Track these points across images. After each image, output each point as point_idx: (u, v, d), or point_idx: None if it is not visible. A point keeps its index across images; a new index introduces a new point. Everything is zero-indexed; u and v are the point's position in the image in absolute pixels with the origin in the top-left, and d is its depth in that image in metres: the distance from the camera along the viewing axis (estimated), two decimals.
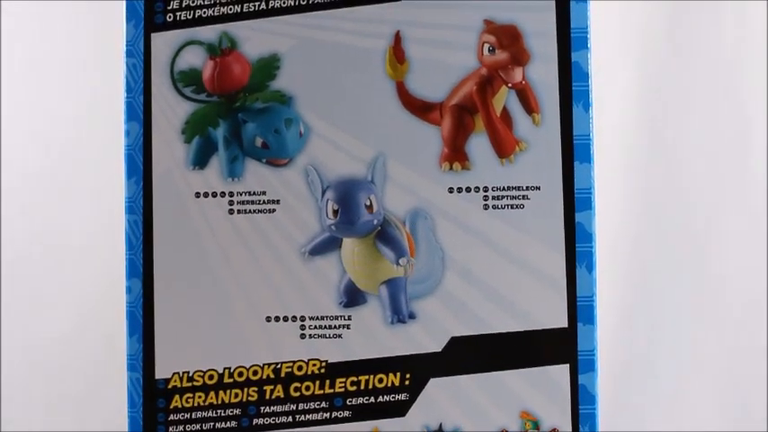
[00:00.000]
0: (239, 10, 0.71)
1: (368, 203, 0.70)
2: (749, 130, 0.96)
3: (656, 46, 0.97)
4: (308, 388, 0.71)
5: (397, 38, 0.71)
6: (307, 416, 0.71)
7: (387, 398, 0.71)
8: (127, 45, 0.72)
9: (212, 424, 0.71)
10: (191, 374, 0.71)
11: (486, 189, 0.71)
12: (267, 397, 0.71)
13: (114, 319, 0.74)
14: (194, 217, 0.71)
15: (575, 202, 0.70)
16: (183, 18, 0.72)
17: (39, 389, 0.96)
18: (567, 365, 0.70)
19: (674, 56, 0.97)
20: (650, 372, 0.96)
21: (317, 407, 0.71)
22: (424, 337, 0.70)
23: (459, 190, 0.71)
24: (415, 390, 0.70)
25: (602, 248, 0.72)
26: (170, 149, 0.72)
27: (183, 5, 0.72)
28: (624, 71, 0.97)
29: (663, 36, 0.97)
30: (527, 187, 0.70)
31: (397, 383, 0.71)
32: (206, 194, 0.71)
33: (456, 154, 0.71)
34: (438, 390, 0.70)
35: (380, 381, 0.71)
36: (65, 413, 0.96)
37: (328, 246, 0.71)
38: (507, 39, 0.70)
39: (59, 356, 0.96)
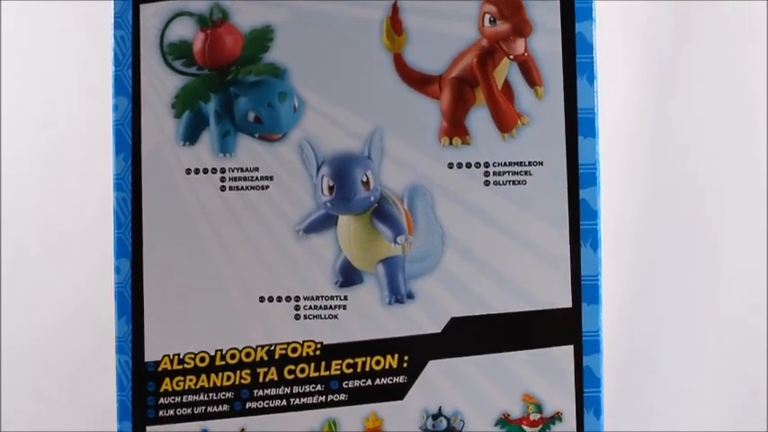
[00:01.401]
0: None
1: (364, 179, 0.69)
2: (755, 113, 0.96)
3: (662, 26, 0.96)
4: (302, 370, 0.70)
5: (395, 8, 0.70)
6: (301, 399, 0.70)
7: (384, 380, 0.69)
8: (115, 17, 0.71)
9: (204, 408, 0.70)
10: (181, 357, 0.70)
11: (486, 165, 0.69)
12: (260, 380, 0.70)
13: (109, 305, 0.72)
14: (185, 194, 0.70)
15: (579, 177, 0.69)
16: None
17: (33, 376, 0.96)
18: (571, 347, 0.69)
19: (680, 37, 0.96)
20: (654, 356, 0.95)
21: (312, 390, 0.70)
22: (423, 318, 0.69)
23: (459, 165, 0.69)
24: (413, 372, 0.69)
25: (605, 228, 0.70)
26: (159, 124, 0.70)
27: None
28: (628, 50, 0.96)
29: (669, 16, 0.96)
30: (529, 162, 0.69)
31: (394, 366, 0.69)
32: (197, 171, 0.70)
33: (456, 128, 0.69)
34: (437, 372, 0.69)
35: (378, 363, 0.69)
36: (59, 399, 0.95)
37: (323, 223, 0.70)
38: (509, 9, 0.69)
39: (54, 344, 0.96)
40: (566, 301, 0.69)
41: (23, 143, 0.96)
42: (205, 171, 0.70)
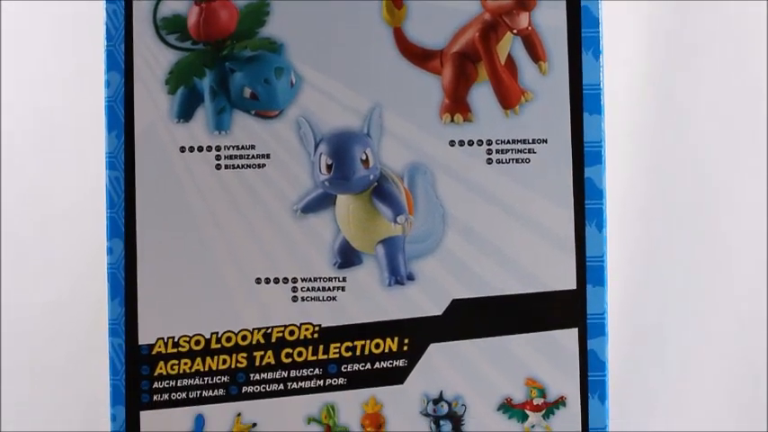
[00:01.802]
0: None
1: (363, 158, 0.68)
2: (764, 90, 0.94)
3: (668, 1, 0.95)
4: (300, 354, 0.69)
5: None
6: (299, 383, 0.69)
7: (384, 364, 0.69)
8: None
9: (199, 392, 0.69)
10: (176, 340, 0.69)
11: (489, 142, 0.68)
12: (257, 363, 0.69)
13: (102, 287, 0.71)
14: (179, 172, 0.69)
15: (584, 155, 0.68)
16: None
17: (24, 360, 0.95)
18: (576, 330, 0.68)
19: (687, 11, 0.96)
20: (660, 340, 0.95)
21: (310, 374, 0.69)
22: (424, 300, 0.68)
23: (461, 143, 0.68)
24: (414, 355, 0.68)
25: (610, 208, 0.69)
26: (153, 101, 0.69)
27: None
28: (633, 25, 0.95)
29: None
30: (533, 140, 0.68)
31: (394, 349, 0.68)
32: (191, 149, 0.69)
33: (457, 105, 0.68)
34: (438, 355, 0.68)
35: (377, 346, 0.69)
36: (51, 383, 0.94)
37: (321, 203, 0.69)
38: None
39: (46, 327, 0.95)
40: (570, 283, 0.68)
41: (13, 121, 0.95)
42: (200, 149, 0.69)
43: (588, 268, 0.68)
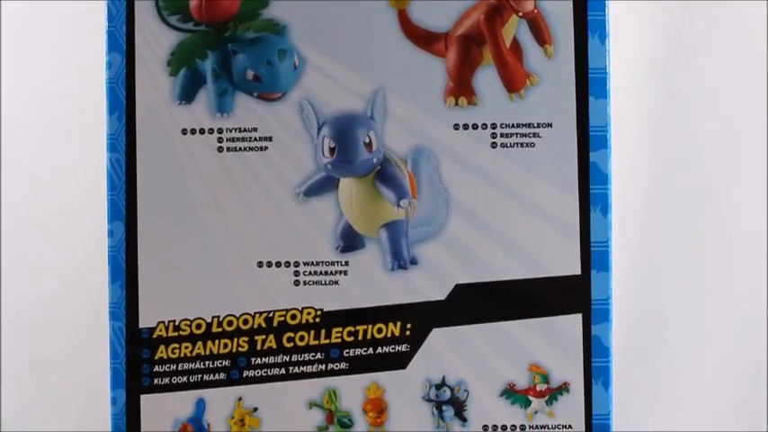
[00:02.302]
0: None
1: (367, 141, 0.68)
2: (764, 77, 0.94)
3: None
4: (302, 338, 0.69)
5: None
6: (301, 368, 0.69)
7: (386, 349, 0.68)
8: None
9: (200, 376, 0.69)
10: (177, 323, 0.69)
11: (494, 126, 0.68)
12: (258, 347, 0.69)
13: (103, 270, 0.70)
14: (181, 155, 0.69)
15: (589, 140, 0.68)
16: None
17: (25, 344, 0.95)
18: (580, 315, 0.68)
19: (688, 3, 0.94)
20: (664, 325, 0.94)
21: (312, 358, 0.69)
22: (427, 285, 0.68)
23: (465, 127, 0.68)
24: (416, 341, 0.68)
25: (614, 193, 0.69)
26: (154, 83, 0.69)
27: None
28: (638, 9, 0.94)
29: None
30: (538, 124, 0.68)
31: (397, 334, 0.68)
32: (193, 131, 0.69)
33: (462, 88, 0.68)
34: (441, 341, 0.68)
35: (380, 331, 0.68)
36: (52, 368, 0.94)
37: (324, 186, 0.69)
38: None
39: (47, 311, 0.95)
40: (574, 268, 0.67)
41: (14, 103, 0.95)
42: (202, 131, 0.69)
43: (593, 253, 0.67)
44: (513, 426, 0.68)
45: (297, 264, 0.68)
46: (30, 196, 0.95)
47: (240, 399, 0.69)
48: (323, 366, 0.68)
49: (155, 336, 0.69)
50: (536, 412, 0.68)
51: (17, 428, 0.92)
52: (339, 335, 0.68)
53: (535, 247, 0.67)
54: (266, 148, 0.68)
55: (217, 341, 0.69)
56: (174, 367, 0.69)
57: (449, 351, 0.68)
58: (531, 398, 0.68)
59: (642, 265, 0.94)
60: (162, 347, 0.69)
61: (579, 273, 0.67)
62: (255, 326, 0.68)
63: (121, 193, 0.69)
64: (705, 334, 0.94)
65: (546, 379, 0.67)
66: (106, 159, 0.69)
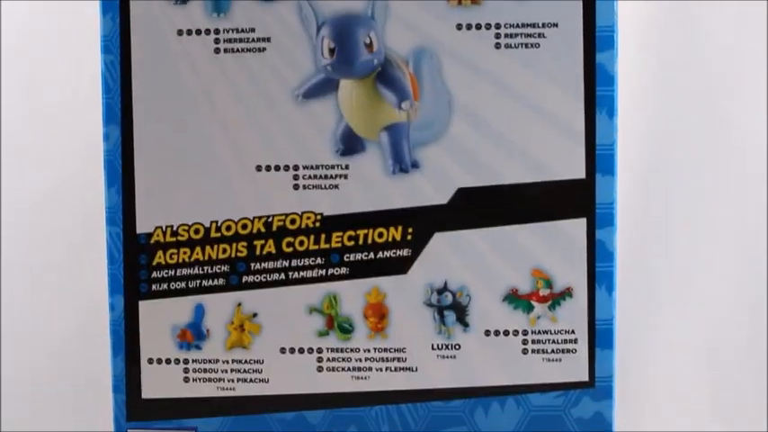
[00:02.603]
0: None
1: (367, 41, 0.67)
2: None
3: None
4: (301, 243, 0.68)
5: None
6: (300, 273, 0.68)
7: (387, 254, 0.68)
8: None
9: (198, 281, 0.69)
10: (175, 228, 0.68)
11: (498, 26, 0.67)
12: (258, 253, 0.68)
13: (99, 175, 0.70)
14: (176, 57, 0.68)
15: (595, 41, 0.66)
16: None
17: (20, 252, 0.94)
18: (584, 219, 0.67)
19: None
20: (669, 230, 0.94)
21: (312, 263, 0.68)
22: (429, 188, 0.67)
23: (469, 27, 0.67)
24: (417, 245, 0.68)
25: (620, 95, 0.68)
26: None
27: None
28: None
29: None
30: (543, 24, 0.66)
31: (398, 238, 0.68)
32: (189, 32, 0.68)
33: None
34: (443, 245, 0.67)
35: (380, 235, 0.68)
36: (49, 278, 0.94)
37: (324, 88, 0.68)
38: None
39: (42, 218, 0.94)
40: (579, 172, 0.67)
41: (6, 11, 0.93)
42: (198, 32, 0.67)
43: (598, 157, 0.66)
44: (516, 331, 0.67)
45: (296, 167, 0.67)
46: (25, 98, 0.94)
47: (240, 304, 0.68)
48: (323, 271, 0.68)
49: (152, 241, 0.68)
50: (539, 317, 0.67)
51: (16, 334, 0.92)
52: (339, 239, 0.68)
53: (539, 150, 0.66)
54: (264, 49, 0.67)
55: (215, 246, 0.68)
56: (173, 273, 0.68)
57: (451, 256, 0.67)
58: (533, 303, 0.67)
59: (648, 169, 0.93)
60: (160, 253, 0.68)
61: (584, 176, 0.66)
62: (254, 231, 0.68)
63: (117, 96, 0.68)
64: (711, 238, 0.94)
65: (549, 284, 0.67)
66: (100, 61, 0.68)
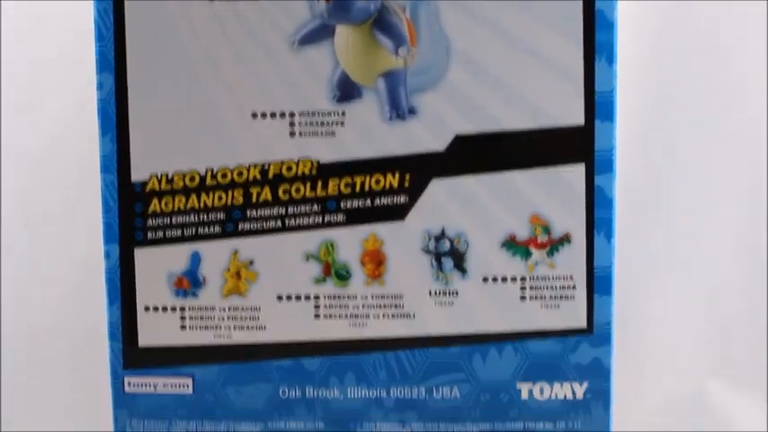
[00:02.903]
0: None
1: None
2: None
3: None
4: (298, 190, 0.68)
5: None
6: (297, 220, 0.68)
7: (384, 201, 0.67)
8: None
9: (194, 229, 0.68)
10: (170, 176, 0.68)
11: None
12: (254, 200, 0.68)
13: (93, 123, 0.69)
14: (170, 4, 0.67)
15: None
16: None
17: (19, 202, 0.93)
18: (583, 165, 0.67)
19: None
20: (669, 178, 0.93)
21: (309, 210, 0.68)
22: (426, 135, 0.67)
23: None
24: (415, 192, 0.67)
25: (620, 40, 0.67)
26: None
27: None
28: None
29: None
30: None
31: (395, 185, 0.67)
32: None
33: None
34: (440, 191, 0.67)
35: (377, 182, 0.67)
36: (45, 229, 0.93)
37: (320, 34, 0.67)
38: None
39: (36, 169, 0.93)
40: (578, 118, 0.66)
41: None
42: None
43: (597, 103, 0.66)
44: (514, 277, 0.67)
45: (292, 114, 0.67)
46: (17, 48, 0.93)
47: (236, 252, 0.68)
48: (319, 218, 0.68)
49: (147, 189, 0.68)
50: (537, 264, 0.67)
51: (14, 285, 0.92)
52: (336, 186, 0.67)
53: (538, 96, 0.66)
54: None
55: (211, 194, 0.68)
56: (168, 221, 0.68)
57: (448, 202, 0.67)
58: (531, 249, 0.67)
59: (648, 116, 0.93)
60: (155, 201, 0.68)
61: (583, 123, 0.66)
62: (250, 178, 0.67)
63: (110, 43, 0.67)
64: (712, 186, 0.93)
65: (547, 230, 0.67)
66: (93, 9, 0.67)
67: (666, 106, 0.93)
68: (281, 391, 0.69)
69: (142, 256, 0.68)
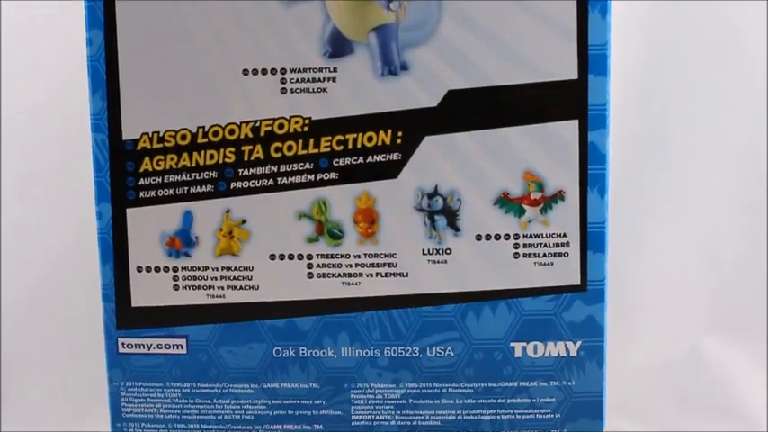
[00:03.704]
0: None
1: None
2: None
3: None
4: (290, 148, 0.67)
5: None
6: (289, 178, 0.67)
7: (377, 158, 0.67)
8: None
9: (186, 188, 0.68)
10: (161, 135, 0.67)
11: None
12: (245, 158, 0.67)
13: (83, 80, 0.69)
14: None
15: None
16: None
17: (9, 161, 0.93)
18: (576, 121, 0.66)
19: None
20: (662, 138, 0.93)
21: (301, 168, 0.67)
22: (418, 91, 0.66)
23: None
24: (407, 149, 0.67)
25: None
26: None
27: None
28: None
29: None
30: None
31: (388, 142, 0.66)
32: None
33: None
34: (433, 148, 0.66)
35: (370, 139, 0.67)
36: (37, 192, 0.93)
37: None
38: None
39: (28, 129, 0.93)
40: (571, 73, 0.65)
41: None
42: None
43: (590, 57, 0.65)
44: (507, 235, 0.67)
45: (283, 71, 0.66)
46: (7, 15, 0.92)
47: (228, 211, 0.67)
48: (312, 177, 0.67)
49: (139, 148, 0.67)
50: (530, 221, 0.66)
51: (7, 246, 0.92)
52: (328, 144, 0.66)
53: (531, 50, 0.65)
54: None
55: (203, 152, 0.67)
56: (160, 180, 0.67)
57: (441, 159, 0.66)
58: (525, 206, 0.66)
59: (642, 71, 0.92)
60: (147, 160, 0.67)
61: (576, 77, 0.65)
62: (242, 136, 0.67)
63: (99, 0, 0.66)
64: (707, 142, 0.93)
65: (540, 187, 0.66)
66: None
67: (662, 60, 0.92)
68: (274, 351, 0.69)
69: (134, 215, 0.68)
